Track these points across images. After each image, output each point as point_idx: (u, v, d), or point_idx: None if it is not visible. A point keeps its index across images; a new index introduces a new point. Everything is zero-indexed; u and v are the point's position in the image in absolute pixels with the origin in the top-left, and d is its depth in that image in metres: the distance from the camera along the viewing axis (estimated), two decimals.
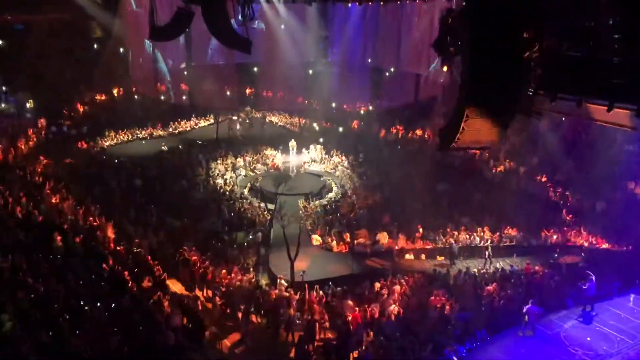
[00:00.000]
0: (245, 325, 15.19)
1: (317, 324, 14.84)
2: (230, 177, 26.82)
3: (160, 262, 17.06)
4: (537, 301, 15.56)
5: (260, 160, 29.09)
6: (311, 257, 19.12)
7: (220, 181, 26.02)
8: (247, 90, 42.23)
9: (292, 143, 27.77)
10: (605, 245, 20.97)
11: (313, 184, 26.65)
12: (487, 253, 20.04)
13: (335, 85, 38.99)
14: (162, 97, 39.16)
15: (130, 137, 31.35)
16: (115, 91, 36.98)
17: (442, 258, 20.07)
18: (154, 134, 32.29)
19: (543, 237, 21.27)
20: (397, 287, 16.78)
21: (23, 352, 10.92)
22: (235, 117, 33.84)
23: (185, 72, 40.56)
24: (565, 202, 24.10)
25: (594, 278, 16.37)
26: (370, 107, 38.60)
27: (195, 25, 22.23)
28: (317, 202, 24.06)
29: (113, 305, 13.43)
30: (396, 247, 20.09)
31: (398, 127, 33.26)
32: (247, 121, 34.11)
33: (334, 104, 38.13)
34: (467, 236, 20.87)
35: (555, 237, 21.33)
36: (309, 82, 39.48)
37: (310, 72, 40.65)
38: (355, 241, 20.30)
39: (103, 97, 36.14)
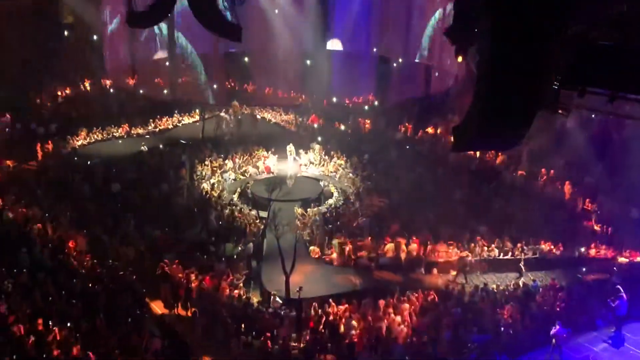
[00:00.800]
0: (235, 349, 15.13)
1: (316, 347, 14.78)
2: (218, 181, 26.79)
3: (138, 277, 16.98)
4: (563, 322, 15.53)
5: (251, 162, 29.09)
6: (309, 272, 19.09)
7: (206, 186, 25.98)
8: (236, 83, 42.36)
9: (290, 148, 27.71)
10: (639, 259, 20.96)
11: (311, 189, 26.64)
12: (519, 266, 20.02)
13: (337, 77, 39.04)
14: (141, 91, 39.21)
15: (105, 135, 31.26)
16: (87, 84, 36.96)
17: (456, 273, 20.04)
18: (132, 132, 32.26)
19: (570, 249, 21.25)
20: (406, 305, 16.76)
21: None
22: (223, 114, 33.83)
23: (167, 63, 40.60)
24: (595, 210, 24.08)
25: (624, 295, 16.33)
26: (376, 102, 38.64)
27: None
28: (315, 209, 24.02)
29: (85, 326, 13.38)
30: (405, 261, 20.06)
31: (407, 124, 33.35)
32: (233, 117, 34.10)
33: (335, 99, 38.16)
34: (485, 248, 20.88)
35: (583, 249, 21.31)
36: (307, 74, 39.50)
37: (309, 62, 40.74)
38: (359, 253, 20.27)
39: (74, 91, 36.10)
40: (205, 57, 41.31)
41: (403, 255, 20.20)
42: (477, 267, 20.30)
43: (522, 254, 20.48)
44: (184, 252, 19.46)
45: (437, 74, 38.41)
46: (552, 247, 21.23)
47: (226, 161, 28.69)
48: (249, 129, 33.96)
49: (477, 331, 15.66)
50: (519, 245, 20.98)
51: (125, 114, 33.55)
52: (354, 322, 15.51)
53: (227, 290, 17.23)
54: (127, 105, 35.29)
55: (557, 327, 15.19)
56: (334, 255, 20.42)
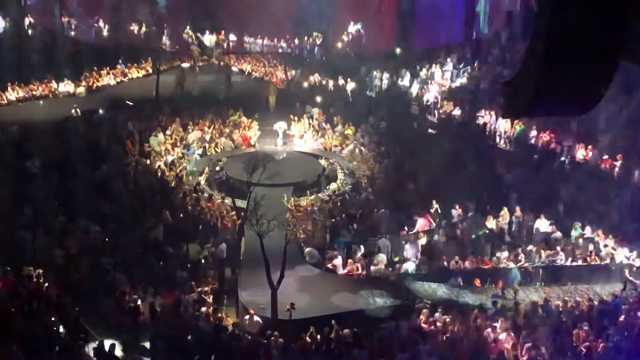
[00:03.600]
0: None
1: None
2: (178, 159, 26.75)
3: (69, 289, 16.96)
4: None
5: (224, 133, 29.03)
6: (304, 283, 19.14)
7: (161, 164, 25.96)
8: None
9: (281, 124, 27.62)
10: None
11: (307, 170, 26.74)
12: (626, 275, 20.07)
13: (343, 16, 38.78)
14: (72, 33, 38.91)
15: (21, 94, 31.19)
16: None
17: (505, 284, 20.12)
18: (59, 90, 32.11)
19: None
20: (439, 326, 16.85)
21: None
22: (186, 65, 33.78)
23: None
24: None
25: None
26: (398, 50, 38.44)
27: None
28: (312, 197, 24.06)
29: None
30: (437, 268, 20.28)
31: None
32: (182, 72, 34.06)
33: (339, 45, 37.95)
34: (548, 251, 20.94)
35: None
36: (301, 12, 39.33)
37: None
38: (374, 259, 20.27)
39: None
40: None
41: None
42: (535, 276, 20.43)
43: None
44: (132, 256, 19.47)
45: (482, 9, 38.08)
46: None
47: (190, 131, 28.64)
48: (220, 85, 33.86)
49: None
50: (591, 245, 21.15)
51: (50, 64, 33.35)
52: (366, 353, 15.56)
53: (191, 309, 17.22)
54: (53, 52, 35.03)
55: None
56: (339, 261, 20.46)
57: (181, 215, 22.38)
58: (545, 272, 20.80)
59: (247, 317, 17.21)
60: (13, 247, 18.83)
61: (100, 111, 30.08)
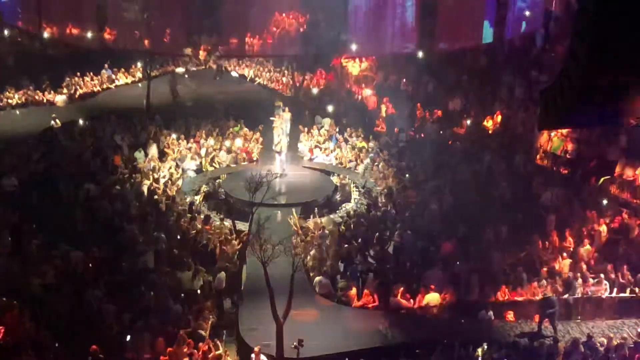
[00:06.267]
0: None
1: None
2: (172, 175, 26.83)
3: (48, 322, 16.99)
4: None
5: (223, 146, 29.12)
6: (313, 316, 19.18)
7: (152, 182, 26.06)
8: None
9: (281, 141, 27.55)
10: None
11: (317, 188, 26.80)
12: None
13: (358, 17, 38.97)
14: (53, 35, 39.18)
15: None
16: None
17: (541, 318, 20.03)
18: (37, 98, 32.29)
19: None
20: None
21: None
22: (180, 70, 33.98)
23: None
24: None
25: None
26: (420, 53, 38.65)
27: None
28: (323, 219, 24.08)
29: None
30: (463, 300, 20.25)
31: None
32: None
33: (354, 47, 38.10)
34: (589, 280, 20.92)
35: None
36: (309, 8, 39.57)
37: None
38: (392, 289, 20.33)
39: None
40: None
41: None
42: (576, 309, 20.35)
43: None
44: (119, 285, 19.49)
45: (513, 9, 38.21)
46: None
47: (184, 144, 28.74)
48: (218, 92, 34.01)
49: None
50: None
51: (28, 69, 33.56)
52: None
53: (186, 348, 17.16)
54: (31, 57, 35.30)
55: None
56: (353, 292, 20.46)
57: (174, 239, 22.39)
58: (588, 304, 20.65)
59: (253, 355, 17.11)
60: None
61: (83, 122, 30.15)
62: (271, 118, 28.10)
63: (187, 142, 28.96)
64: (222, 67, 38.31)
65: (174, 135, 29.15)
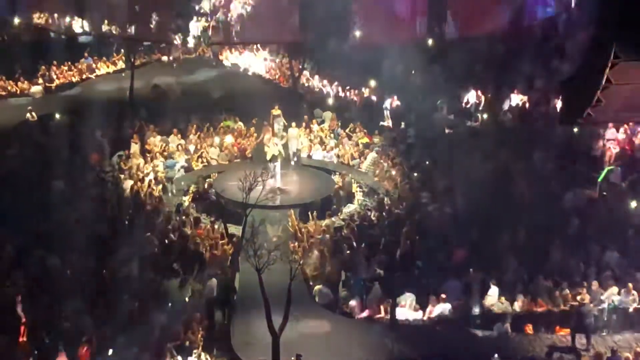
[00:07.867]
0: None
1: None
2: (157, 174, 26.77)
3: (21, 336, 16.84)
4: None
5: (214, 142, 29.07)
6: (312, 329, 19.17)
7: (135, 182, 25.95)
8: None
9: (275, 149, 27.25)
10: None
11: (317, 188, 26.74)
12: None
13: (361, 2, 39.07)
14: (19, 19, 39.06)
15: None
16: None
17: (568, 330, 19.90)
18: (10, 88, 32.29)
19: None
20: None
21: None
22: (166, 58, 33.99)
23: None
24: None
25: None
26: (430, 40, 38.53)
27: None
28: (325, 221, 24.04)
29: None
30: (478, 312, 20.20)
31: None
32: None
33: (358, 34, 38.10)
34: (615, 290, 20.82)
35: None
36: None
37: None
38: (400, 300, 20.24)
39: None
40: None
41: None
42: (601, 320, 20.25)
43: None
44: (101, 294, 19.48)
45: None
46: None
47: (172, 140, 28.68)
48: (209, 83, 33.95)
49: None
50: None
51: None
52: None
53: None
54: (2, 44, 35.33)
55: None
56: (356, 302, 20.39)
57: (161, 244, 22.32)
58: (615, 315, 20.53)
59: None
60: None
61: (60, 116, 30.08)
62: (277, 132, 28.01)
63: (175, 138, 28.83)
64: (217, 54, 38.28)
65: (159, 131, 29.02)
